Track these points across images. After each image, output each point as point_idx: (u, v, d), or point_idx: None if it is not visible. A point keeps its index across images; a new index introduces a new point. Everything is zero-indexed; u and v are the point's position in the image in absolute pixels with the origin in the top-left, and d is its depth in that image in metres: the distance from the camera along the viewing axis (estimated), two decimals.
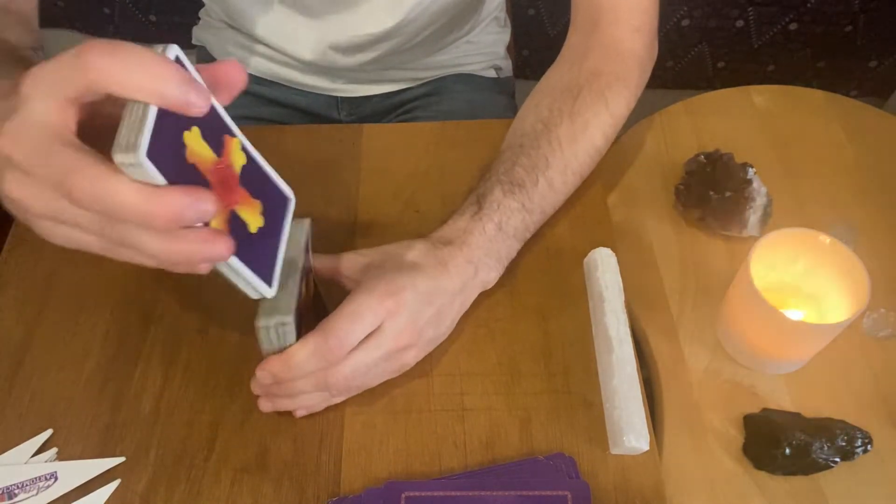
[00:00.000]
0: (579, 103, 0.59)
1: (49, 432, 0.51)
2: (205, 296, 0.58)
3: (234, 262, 0.40)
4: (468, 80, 0.88)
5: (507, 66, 0.93)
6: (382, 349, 0.48)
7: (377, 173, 0.66)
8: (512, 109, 0.92)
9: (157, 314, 0.57)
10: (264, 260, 0.43)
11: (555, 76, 0.64)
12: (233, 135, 0.40)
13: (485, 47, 0.89)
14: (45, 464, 0.49)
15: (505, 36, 0.92)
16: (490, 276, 0.55)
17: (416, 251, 0.52)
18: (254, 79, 0.86)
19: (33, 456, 0.50)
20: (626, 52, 0.62)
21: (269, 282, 0.43)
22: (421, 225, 0.63)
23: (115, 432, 0.51)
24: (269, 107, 0.86)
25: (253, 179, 0.42)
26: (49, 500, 0.48)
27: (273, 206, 0.44)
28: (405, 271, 0.50)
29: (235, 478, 0.49)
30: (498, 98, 0.89)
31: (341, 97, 0.87)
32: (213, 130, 0.38)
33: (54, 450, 0.50)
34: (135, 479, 0.49)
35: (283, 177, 0.42)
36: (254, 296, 0.44)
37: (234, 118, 0.41)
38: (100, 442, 0.51)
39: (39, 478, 0.48)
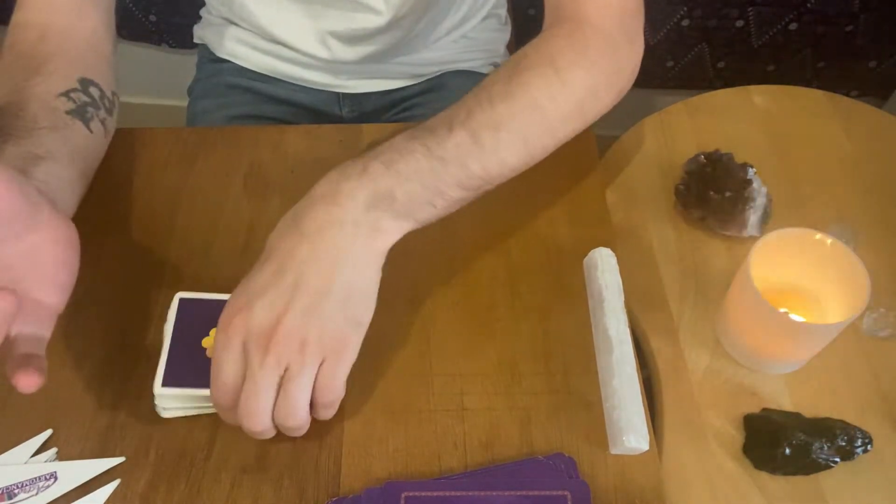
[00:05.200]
0: (522, 64, 0.52)
1: (49, 432, 0.51)
2: None
3: None
4: (467, 76, 0.88)
5: None
6: (235, 350, 0.44)
7: None
8: None
9: (157, 314, 0.57)
10: None
11: None
12: None
13: (483, 44, 0.89)
14: (45, 464, 0.49)
15: (505, 34, 0.93)
16: (382, 223, 0.45)
17: (276, 230, 0.47)
18: (256, 76, 0.86)
19: (33, 456, 0.50)
20: (587, 23, 0.55)
21: None
22: None
23: (115, 432, 0.51)
24: (270, 104, 0.86)
25: None
26: (49, 500, 0.48)
27: None
28: (254, 270, 0.46)
29: (235, 478, 0.49)
30: None
31: (343, 93, 0.87)
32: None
33: (54, 450, 0.50)
34: (135, 479, 0.49)
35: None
36: None
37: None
38: (100, 442, 0.50)
39: (39, 478, 0.48)
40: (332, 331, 0.43)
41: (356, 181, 0.45)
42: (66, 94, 0.54)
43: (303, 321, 0.43)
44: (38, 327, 0.43)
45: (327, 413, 0.47)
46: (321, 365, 0.44)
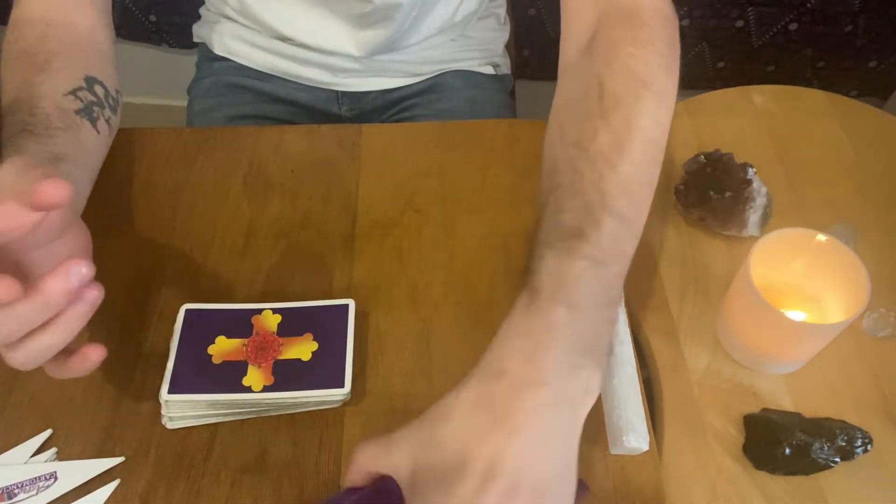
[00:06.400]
0: (607, 98, 0.45)
1: (49, 432, 0.51)
2: (205, 296, 0.58)
3: (297, 393, 0.50)
4: (466, 76, 0.88)
5: (505, 63, 0.93)
6: None
7: (377, 173, 0.66)
8: (511, 108, 0.92)
9: (156, 314, 0.57)
10: (331, 370, 0.51)
11: (566, 85, 0.51)
12: (259, 312, 0.54)
13: (481, 43, 0.89)
14: (45, 464, 0.49)
15: (504, 34, 0.93)
16: (589, 382, 0.38)
17: (457, 420, 0.37)
18: (255, 74, 0.86)
19: (33, 456, 0.50)
20: (631, 14, 0.49)
21: (340, 384, 0.50)
22: (421, 225, 0.63)
23: (115, 432, 0.51)
24: (270, 104, 0.86)
25: (298, 322, 0.54)
26: (49, 500, 0.48)
27: (329, 324, 0.53)
28: (448, 479, 0.36)
29: (235, 478, 0.49)
30: (497, 96, 0.90)
31: (342, 91, 0.87)
32: (239, 322, 0.53)
33: (54, 450, 0.50)
34: (134, 479, 0.49)
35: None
36: (336, 404, 0.52)
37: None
38: (100, 442, 0.51)
39: (39, 478, 0.48)
40: None
41: (553, 343, 0.38)
42: (74, 92, 0.54)
43: None
44: None
45: None
46: None
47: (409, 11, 0.77)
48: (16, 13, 0.59)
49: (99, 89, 0.57)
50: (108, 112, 0.57)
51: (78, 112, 0.53)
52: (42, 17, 0.58)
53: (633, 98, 0.45)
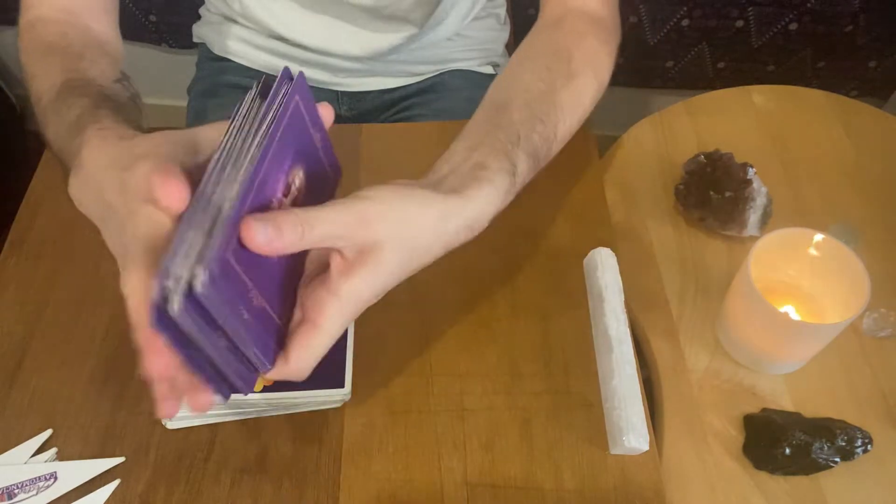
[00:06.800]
0: (574, 67, 0.55)
1: (49, 432, 0.51)
2: None
3: (297, 393, 0.50)
4: (465, 76, 0.88)
5: (505, 63, 0.93)
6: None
7: (377, 173, 0.66)
8: None
9: None
10: (331, 371, 0.51)
11: (540, 39, 0.59)
12: None
13: (481, 43, 0.89)
14: (45, 464, 0.49)
15: (504, 34, 0.93)
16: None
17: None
18: (255, 74, 0.86)
19: (33, 456, 0.50)
20: (599, 18, 0.60)
21: (341, 384, 0.51)
22: None
23: (115, 432, 0.51)
24: None
25: None
26: (49, 500, 0.48)
27: None
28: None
29: (235, 478, 0.49)
30: None
31: (342, 91, 0.87)
32: None
33: (54, 450, 0.50)
34: (134, 479, 0.49)
35: None
36: (336, 404, 0.53)
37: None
38: (100, 442, 0.51)
39: (39, 478, 0.48)
40: None
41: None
42: (119, 81, 0.53)
43: None
44: None
45: None
46: None
47: (419, 16, 0.77)
48: (31, 14, 0.58)
49: (131, 84, 0.56)
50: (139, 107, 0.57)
51: (128, 99, 0.53)
52: (59, 19, 0.57)
53: (587, 80, 0.55)
